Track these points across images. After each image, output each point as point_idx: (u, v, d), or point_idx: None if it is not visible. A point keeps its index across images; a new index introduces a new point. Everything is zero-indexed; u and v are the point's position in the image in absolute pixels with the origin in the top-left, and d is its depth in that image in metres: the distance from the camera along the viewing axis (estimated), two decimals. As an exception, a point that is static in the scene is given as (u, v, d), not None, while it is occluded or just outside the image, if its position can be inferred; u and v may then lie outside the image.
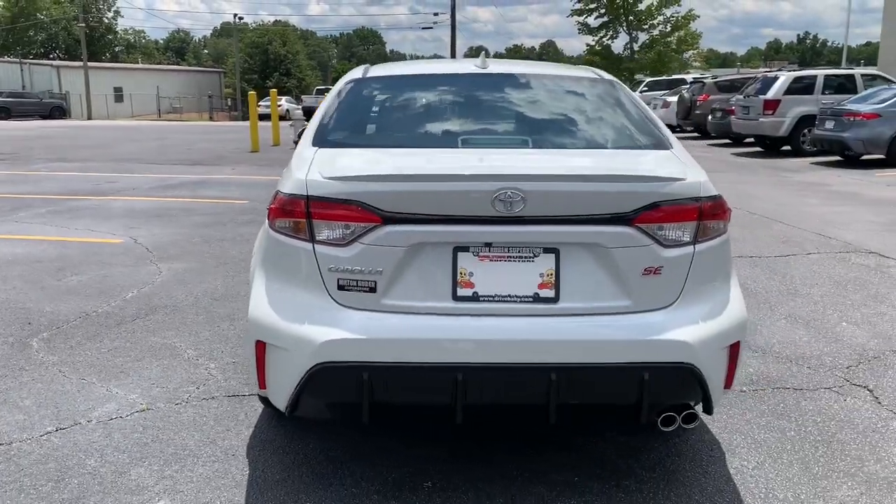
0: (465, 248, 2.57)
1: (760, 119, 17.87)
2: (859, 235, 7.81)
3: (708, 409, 2.71)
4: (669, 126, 22.47)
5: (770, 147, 18.86)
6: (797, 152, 17.49)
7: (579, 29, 42.08)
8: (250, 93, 20.80)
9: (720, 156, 17.92)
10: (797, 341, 4.57)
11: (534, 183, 2.52)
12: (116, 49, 79.10)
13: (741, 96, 19.27)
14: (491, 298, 2.57)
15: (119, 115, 52.11)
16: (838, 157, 15.80)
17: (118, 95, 55.42)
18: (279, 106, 47.78)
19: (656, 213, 2.57)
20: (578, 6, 41.21)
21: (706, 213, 2.65)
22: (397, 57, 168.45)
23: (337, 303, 2.59)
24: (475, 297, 2.57)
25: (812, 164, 15.58)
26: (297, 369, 2.56)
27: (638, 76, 39.08)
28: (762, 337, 4.64)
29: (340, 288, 2.58)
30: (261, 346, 2.70)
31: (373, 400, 2.55)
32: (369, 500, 2.78)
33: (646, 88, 33.14)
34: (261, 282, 2.80)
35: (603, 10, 40.80)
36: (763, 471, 3.03)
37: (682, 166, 2.75)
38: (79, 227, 8.35)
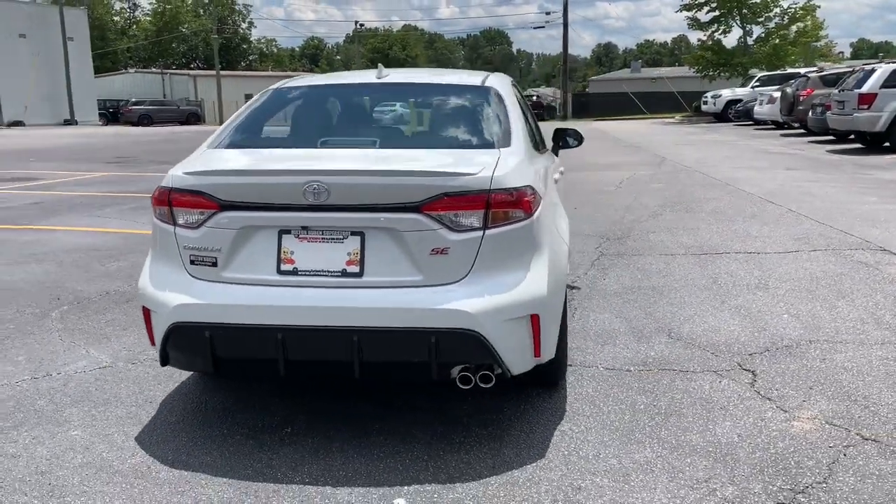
0: (288, 231, 3.10)
1: (855, 114, 17.05)
2: (887, 233, 7.62)
3: (506, 373, 3.11)
4: (775, 122, 21.94)
5: (871, 143, 17.96)
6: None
7: (689, 24, 40.98)
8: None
9: (812, 153, 17.29)
10: (721, 330, 4.75)
11: (334, 177, 3.02)
12: (251, 58, 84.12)
13: (836, 90, 18.45)
14: (308, 273, 3.08)
15: (248, 120, 55.49)
16: (938, 154, 14.93)
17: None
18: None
19: (442, 202, 3.00)
20: (688, 1, 40.08)
21: (496, 204, 3.04)
22: (524, 56, 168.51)
23: (190, 275, 3.19)
24: (295, 272, 3.10)
25: (906, 160, 14.81)
26: (162, 328, 3.18)
27: (753, 71, 37.61)
28: (689, 326, 4.85)
29: (192, 263, 3.18)
30: (146, 311, 3.34)
31: (214, 354, 3.12)
32: (233, 438, 3.36)
33: (757, 84, 31.95)
34: (149, 259, 3.47)
35: (714, 4, 39.47)
36: (585, 435, 3.36)
37: (486, 164, 3.14)
38: (148, 221, 9.43)
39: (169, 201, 3.21)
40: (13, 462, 3.19)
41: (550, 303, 3.22)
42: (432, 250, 3.02)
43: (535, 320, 3.13)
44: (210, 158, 3.40)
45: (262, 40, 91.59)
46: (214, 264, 3.16)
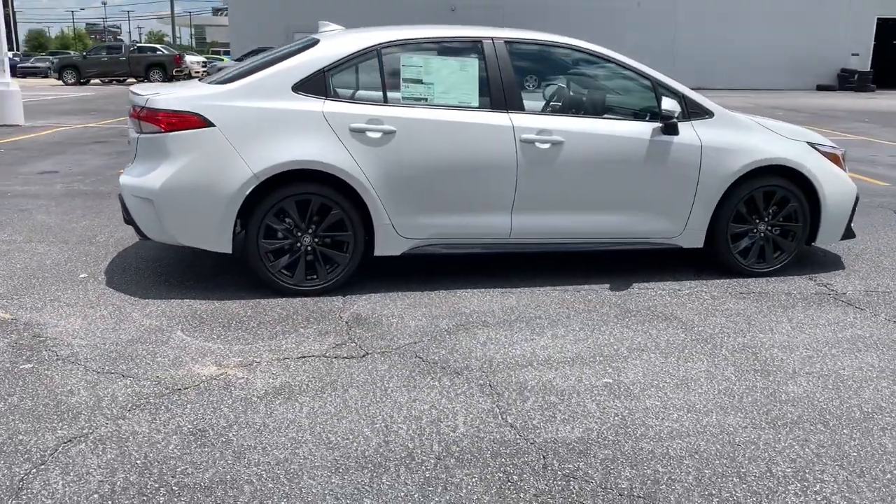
0: None
1: None
2: None
3: (144, 237, 4.83)
4: None
5: None
6: None
7: None
8: None
9: None
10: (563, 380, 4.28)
11: (132, 96, 4.94)
12: None
13: None
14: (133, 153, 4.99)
15: None
16: None
17: None
18: None
19: (134, 112, 4.82)
20: None
21: (141, 118, 4.75)
22: None
23: None
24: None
25: None
26: None
27: None
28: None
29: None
30: None
31: (124, 204, 4.98)
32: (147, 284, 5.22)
33: None
34: None
35: None
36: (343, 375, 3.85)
37: (166, 92, 4.76)
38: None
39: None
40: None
41: (166, 199, 4.60)
42: (128, 141, 4.96)
43: (147, 204, 4.65)
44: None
45: None
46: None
